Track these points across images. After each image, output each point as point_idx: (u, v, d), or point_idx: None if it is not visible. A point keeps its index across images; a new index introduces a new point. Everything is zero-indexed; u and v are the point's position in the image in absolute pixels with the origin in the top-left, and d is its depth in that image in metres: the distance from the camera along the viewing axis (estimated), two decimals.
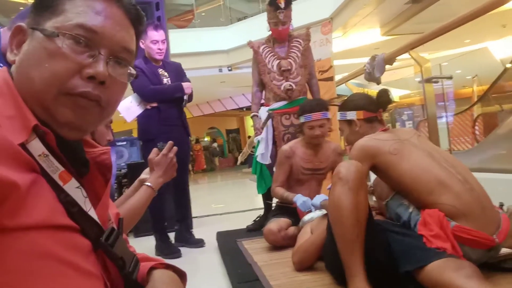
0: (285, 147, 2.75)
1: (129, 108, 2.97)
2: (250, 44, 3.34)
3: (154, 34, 3.01)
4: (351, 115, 1.93)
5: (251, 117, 3.32)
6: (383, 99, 1.90)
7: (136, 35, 0.73)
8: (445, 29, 2.64)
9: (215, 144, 18.65)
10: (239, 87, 13.16)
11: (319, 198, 2.33)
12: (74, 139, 0.68)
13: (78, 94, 0.62)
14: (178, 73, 3.19)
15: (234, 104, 15.55)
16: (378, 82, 3.16)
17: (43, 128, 0.61)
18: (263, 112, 3.23)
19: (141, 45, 3.05)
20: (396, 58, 3.08)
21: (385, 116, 8.46)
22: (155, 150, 1.38)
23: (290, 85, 3.13)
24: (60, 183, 0.61)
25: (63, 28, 0.62)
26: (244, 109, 15.80)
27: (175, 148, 1.40)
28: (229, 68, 11.15)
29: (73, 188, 0.62)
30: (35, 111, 0.63)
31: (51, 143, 0.62)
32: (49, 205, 0.57)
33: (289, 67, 3.16)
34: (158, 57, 3.04)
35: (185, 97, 3.10)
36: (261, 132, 3.19)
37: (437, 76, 2.96)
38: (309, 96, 3.33)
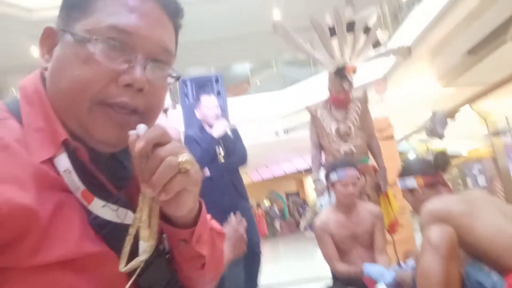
0: (317, 221, 2.62)
1: None
2: (307, 108, 3.40)
3: (208, 100, 3.13)
4: (411, 182, 1.86)
5: (313, 181, 3.29)
6: (441, 161, 1.83)
7: (175, 29, 0.66)
8: (505, 80, 2.54)
9: (275, 208, 18.49)
10: (297, 150, 13.22)
11: (378, 270, 2.18)
12: (113, 151, 0.64)
13: (115, 104, 0.58)
14: (234, 138, 3.16)
15: (293, 167, 15.53)
16: (441, 137, 3.05)
17: (75, 143, 0.57)
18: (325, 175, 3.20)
19: (197, 115, 3.18)
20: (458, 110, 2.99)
21: (454, 172, 8.00)
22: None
23: (350, 149, 3.10)
24: (84, 203, 0.56)
25: (94, 31, 0.57)
26: (303, 172, 15.70)
27: (243, 222, 1.32)
28: (286, 132, 11.32)
29: (99, 208, 0.57)
30: (68, 123, 0.59)
31: (83, 158, 0.58)
32: (77, 231, 0.54)
33: (348, 131, 3.16)
34: (214, 121, 3.06)
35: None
36: (322, 195, 3.14)
37: (504, 129, 2.80)
38: (371, 158, 3.27)
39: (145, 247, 0.56)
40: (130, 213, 0.60)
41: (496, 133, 2.66)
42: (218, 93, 4.36)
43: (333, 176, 2.56)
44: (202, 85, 4.37)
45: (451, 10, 6.03)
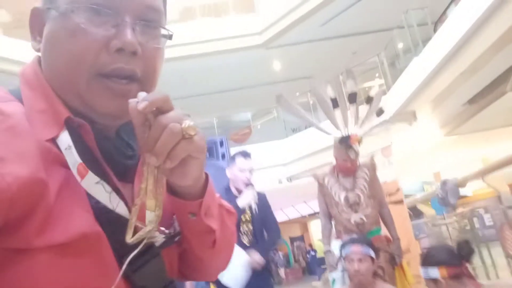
0: None
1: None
2: (314, 176, 3.35)
3: (242, 162, 2.97)
4: (434, 273, 1.78)
5: (324, 253, 3.19)
6: (466, 250, 1.76)
7: None
8: None
9: (280, 254, 18.08)
10: (301, 197, 13.10)
11: None
12: (118, 124, 0.63)
13: (110, 73, 0.56)
14: (262, 205, 3.05)
15: (297, 213, 15.33)
16: (453, 207, 2.99)
17: (78, 120, 0.55)
18: (336, 247, 3.10)
19: (227, 174, 3.04)
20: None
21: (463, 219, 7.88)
22: None
23: (361, 218, 3.02)
24: (78, 178, 0.52)
25: (77, 1, 0.55)
26: (307, 216, 15.48)
27: None
28: (289, 179, 11.25)
29: (92, 183, 0.53)
30: (69, 101, 0.57)
31: (87, 136, 0.56)
32: (80, 212, 0.52)
33: (357, 200, 3.09)
34: (243, 187, 2.95)
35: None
36: (335, 269, 3.02)
37: None
38: (383, 227, 3.18)
39: (152, 217, 0.55)
40: (122, 204, 0.56)
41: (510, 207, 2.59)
42: (223, 156, 4.34)
43: (342, 252, 2.50)
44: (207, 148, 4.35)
45: (452, 62, 6.12)
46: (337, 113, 3.10)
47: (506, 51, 5.42)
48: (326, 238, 3.22)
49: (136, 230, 0.54)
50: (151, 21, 0.60)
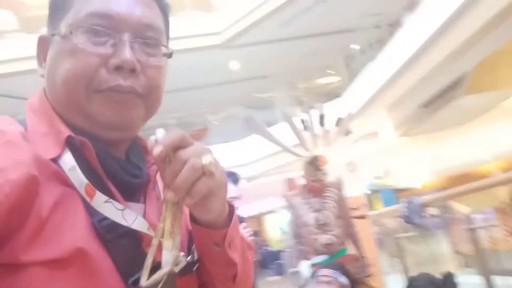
0: None
1: None
2: (284, 196, 3.34)
3: (230, 189, 2.88)
4: None
5: (289, 273, 3.18)
6: (450, 283, 1.79)
7: (162, 9, 0.63)
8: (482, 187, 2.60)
9: None
10: (259, 196, 13.14)
11: None
12: (121, 139, 0.61)
13: (109, 90, 0.56)
14: None
15: (255, 210, 15.40)
16: (418, 226, 3.07)
17: (79, 138, 0.54)
18: (305, 267, 3.09)
19: None
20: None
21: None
22: None
23: (330, 239, 3.03)
24: (87, 198, 0.52)
25: (75, 23, 0.56)
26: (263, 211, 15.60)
27: None
28: (248, 180, 11.23)
29: (101, 203, 0.53)
30: (72, 120, 0.57)
31: (89, 154, 0.54)
32: (76, 231, 0.50)
33: (327, 220, 3.09)
34: None
35: None
36: None
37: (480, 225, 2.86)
38: (350, 247, 3.21)
39: (169, 258, 0.52)
40: (140, 218, 0.55)
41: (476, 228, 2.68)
42: None
43: (312, 273, 2.52)
44: None
45: (410, 69, 6.33)
46: (307, 134, 3.09)
47: (461, 60, 5.67)
48: (295, 259, 3.20)
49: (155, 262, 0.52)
50: (150, 39, 0.59)
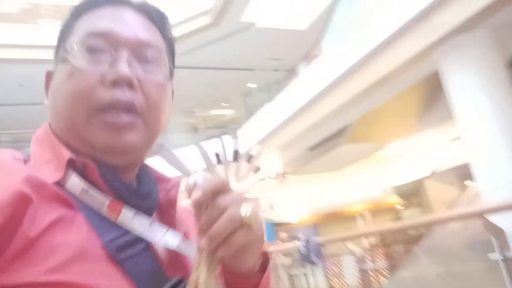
0: None
1: None
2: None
3: None
4: None
5: None
6: None
7: (160, 31, 0.62)
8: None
9: None
10: None
11: None
12: (125, 165, 0.57)
13: (108, 106, 0.53)
14: None
15: None
16: (315, 265, 3.30)
17: (80, 160, 0.53)
18: None
19: None
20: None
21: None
22: None
23: None
24: (113, 217, 0.51)
25: (73, 45, 0.55)
26: None
27: None
28: None
29: (128, 219, 0.51)
30: (74, 143, 0.55)
31: (93, 176, 0.53)
32: (75, 251, 0.45)
33: None
34: None
35: None
36: None
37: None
38: None
39: None
40: (171, 232, 0.54)
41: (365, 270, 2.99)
42: None
43: None
44: None
45: (302, 115, 6.90)
46: (219, 168, 3.13)
47: (346, 113, 6.39)
48: None
49: None
50: (148, 56, 0.58)
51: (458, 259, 3.82)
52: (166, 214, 0.60)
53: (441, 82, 4.61)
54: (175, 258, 0.55)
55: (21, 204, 0.44)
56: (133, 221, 0.51)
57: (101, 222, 0.50)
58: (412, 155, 8.91)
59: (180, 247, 0.54)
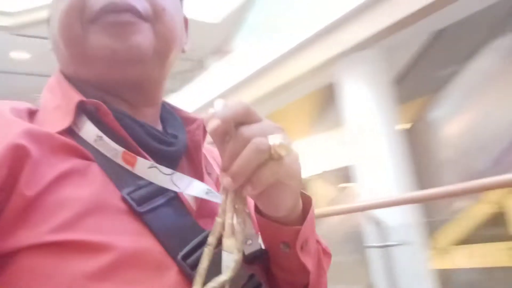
0: None
1: None
2: None
3: None
4: None
5: None
6: None
7: None
8: None
9: None
10: None
11: None
12: (132, 79, 0.50)
13: (102, 11, 0.47)
14: None
15: None
16: None
17: (91, 101, 0.47)
18: None
19: None
20: None
21: None
22: None
23: None
24: (128, 167, 0.45)
25: None
26: None
27: None
28: None
29: (145, 169, 0.46)
30: (84, 74, 0.51)
31: (107, 119, 0.47)
32: (88, 204, 0.41)
33: None
34: None
35: None
36: None
37: None
38: None
39: (230, 262, 0.40)
40: (197, 182, 0.47)
41: None
42: None
43: None
44: None
45: (205, 111, 7.03)
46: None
47: (257, 109, 6.68)
48: None
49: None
50: None
51: (337, 250, 4.27)
52: (194, 158, 0.55)
53: (334, 92, 5.18)
54: (205, 206, 0.50)
55: (15, 159, 0.39)
56: (151, 170, 0.46)
57: (119, 172, 0.45)
58: (304, 155, 9.60)
59: (209, 195, 0.47)
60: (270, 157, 0.39)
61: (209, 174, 0.58)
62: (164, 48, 0.52)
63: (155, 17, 0.50)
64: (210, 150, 0.61)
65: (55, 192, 0.40)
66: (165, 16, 0.51)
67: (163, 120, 0.57)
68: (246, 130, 0.39)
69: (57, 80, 0.53)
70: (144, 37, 0.48)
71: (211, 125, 0.39)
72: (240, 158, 0.38)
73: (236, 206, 0.41)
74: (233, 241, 0.41)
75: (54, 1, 0.52)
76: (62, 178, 0.41)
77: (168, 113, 0.59)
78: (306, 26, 5.10)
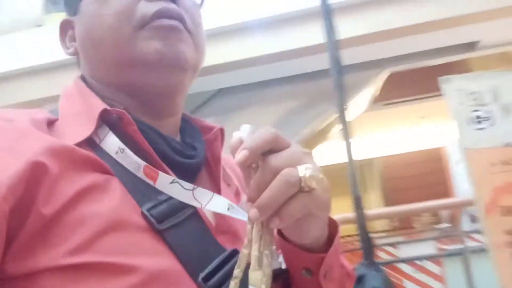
0: None
1: None
2: None
3: None
4: None
5: None
6: None
7: None
8: None
9: None
10: None
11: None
12: (171, 87, 0.51)
13: (153, 17, 0.48)
14: None
15: None
16: None
17: (115, 110, 0.46)
18: None
19: None
20: None
21: None
22: None
23: None
24: (150, 182, 0.44)
25: None
26: None
27: None
28: None
29: (167, 184, 0.44)
30: (119, 78, 0.50)
31: (130, 129, 0.46)
32: (107, 222, 0.39)
33: None
34: None
35: None
36: None
37: None
38: None
39: None
40: (218, 196, 0.46)
41: None
42: None
43: None
44: None
45: None
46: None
47: None
48: None
49: None
50: None
51: None
52: (213, 170, 0.54)
53: None
54: (224, 222, 0.49)
55: (33, 177, 0.37)
56: (173, 185, 0.44)
57: (139, 187, 0.44)
58: None
59: (230, 211, 0.46)
60: (300, 189, 0.38)
61: (228, 185, 0.57)
62: (199, 60, 0.54)
63: (195, 31, 0.52)
64: (227, 159, 0.60)
65: (74, 210, 0.39)
66: (201, 32, 0.54)
67: (181, 129, 0.57)
68: (274, 160, 0.38)
69: (77, 87, 0.52)
70: (188, 47, 0.50)
71: (240, 157, 0.38)
72: (268, 190, 0.37)
73: (263, 237, 0.39)
74: (259, 275, 0.39)
75: (86, 5, 0.51)
76: (82, 194, 0.40)
77: (185, 122, 0.58)
78: None
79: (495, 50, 2.52)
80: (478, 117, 2.52)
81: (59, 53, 0.68)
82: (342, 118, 1.33)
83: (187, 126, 0.57)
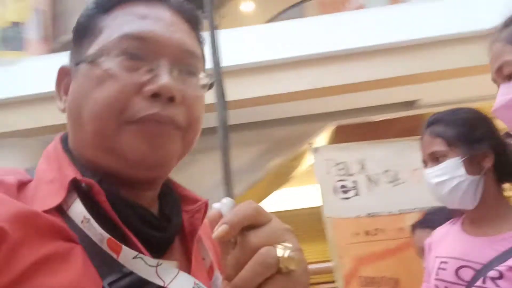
0: None
1: None
2: None
3: None
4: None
5: None
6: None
7: (197, 35, 0.57)
8: None
9: None
10: None
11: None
12: (150, 183, 0.51)
13: (145, 119, 0.47)
14: None
15: None
16: None
17: (86, 180, 0.45)
18: None
19: None
20: None
21: None
22: None
23: None
24: (113, 255, 0.43)
25: (106, 47, 0.49)
26: None
27: None
28: None
29: (129, 259, 0.43)
30: (100, 158, 0.48)
31: (99, 199, 0.45)
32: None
33: None
34: None
35: None
36: None
37: None
38: None
39: None
40: (184, 274, 0.45)
41: None
42: None
43: None
44: None
45: None
46: None
47: None
48: None
49: None
50: (189, 66, 0.52)
51: None
52: (188, 242, 0.53)
53: None
54: None
55: None
56: (136, 261, 0.43)
57: (104, 258, 0.43)
58: None
59: None
60: (278, 270, 0.36)
61: (202, 259, 0.56)
62: (186, 152, 0.53)
63: (189, 126, 0.51)
64: (204, 226, 0.56)
65: (32, 280, 0.37)
66: (197, 124, 0.53)
67: (160, 197, 0.55)
68: (254, 237, 0.37)
69: (56, 151, 0.52)
70: (175, 146, 0.49)
71: (219, 232, 0.36)
72: (245, 270, 0.36)
73: None
74: None
75: (83, 75, 0.50)
76: (42, 263, 0.38)
77: (168, 189, 0.57)
78: None
79: (432, 109, 2.60)
80: (343, 186, 2.35)
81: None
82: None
83: (169, 195, 0.56)
